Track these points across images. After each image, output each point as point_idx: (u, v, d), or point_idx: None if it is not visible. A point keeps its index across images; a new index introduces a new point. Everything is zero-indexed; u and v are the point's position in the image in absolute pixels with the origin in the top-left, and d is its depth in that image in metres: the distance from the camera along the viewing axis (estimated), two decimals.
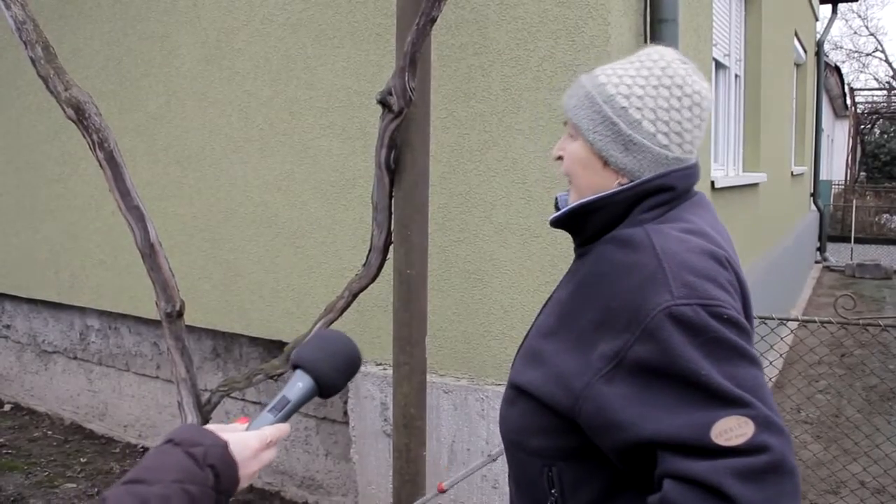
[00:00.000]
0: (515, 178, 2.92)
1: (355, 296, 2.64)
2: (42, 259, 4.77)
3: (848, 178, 22.88)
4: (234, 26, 3.67)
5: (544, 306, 1.33)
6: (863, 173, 26.12)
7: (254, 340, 3.89)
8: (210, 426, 0.99)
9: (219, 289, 3.86)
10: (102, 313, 4.61)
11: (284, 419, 1.05)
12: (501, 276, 2.98)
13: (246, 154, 3.69)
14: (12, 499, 3.86)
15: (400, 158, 2.55)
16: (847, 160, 22.79)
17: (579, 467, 1.16)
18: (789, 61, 8.20)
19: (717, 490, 0.94)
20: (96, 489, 3.97)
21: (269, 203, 3.62)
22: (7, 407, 5.26)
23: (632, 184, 1.18)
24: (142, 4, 4.03)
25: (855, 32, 48.42)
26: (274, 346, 3.75)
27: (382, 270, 2.62)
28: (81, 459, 4.35)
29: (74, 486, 4.01)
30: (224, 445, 0.95)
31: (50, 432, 4.79)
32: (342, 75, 3.32)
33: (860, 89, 24.26)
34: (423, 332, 2.68)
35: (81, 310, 4.73)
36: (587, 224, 1.22)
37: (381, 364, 3.30)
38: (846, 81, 20.52)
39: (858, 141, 24.01)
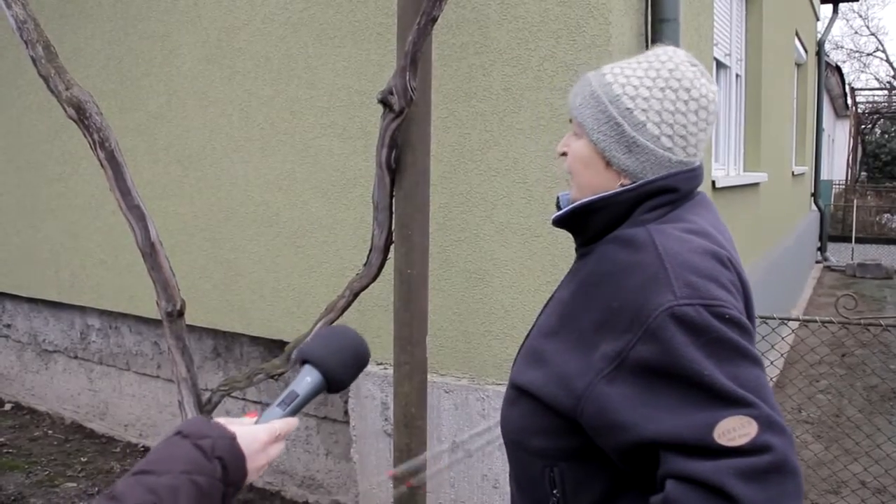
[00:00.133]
0: (516, 177, 2.92)
1: (356, 295, 2.64)
2: (43, 258, 4.77)
3: (849, 177, 22.88)
4: (234, 25, 3.67)
5: (546, 306, 1.32)
6: (863, 173, 26.12)
7: (254, 340, 3.89)
8: (219, 419, 0.99)
9: (219, 288, 3.85)
10: (103, 312, 4.61)
11: (293, 413, 1.05)
12: (502, 276, 2.98)
13: (247, 153, 3.69)
14: (13, 498, 3.86)
15: (401, 158, 2.55)
16: (848, 160, 22.79)
17: (581, 468, 1.16)
18: (790, 61, 8.19)
19: (720, 490, 0.94)
20: (97, 488, 3.97)
21: (270, 202, 3.62)
22: (8, 406, 5.26)
23: (635, 184, 1.18)
24: (142, 4, 4.03)
25: (856, 32, 48.40)
26: (275, 346, 3.75)
27: (383, 270, 2.61)
28: (82, 459, 4.35)
29: (75, 485, 4.01)
30: (232, 438, 0.96)
31: (50, 432, 4.79)
32: (343, 75, 3.31)
33: (861, 89, 24.26)
34: (423, 331, 2.67)
35: (82, 309, 4.73)
36: (589, 223, 1.21)
37: (381, 363, 3.29)
38: (847, 81, 20.52)
39: (859, 141, 24.01)
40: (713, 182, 4.19)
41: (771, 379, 5.11)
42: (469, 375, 3.10)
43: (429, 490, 2.82)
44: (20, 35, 2.41)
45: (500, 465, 3.00)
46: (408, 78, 2.39)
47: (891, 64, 33.28)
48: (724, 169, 5.27)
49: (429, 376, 2.76)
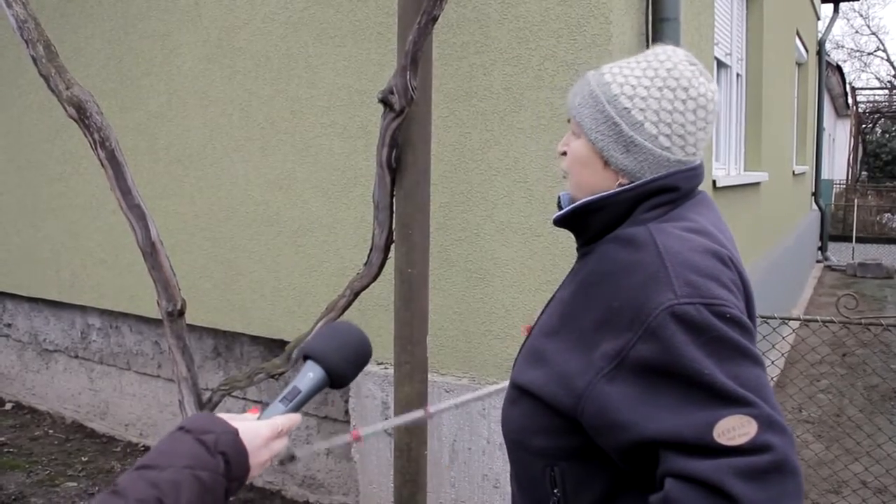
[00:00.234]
0: (517, 177, 2.92)
1: (356, 295, 2.64)
2: (43, 258, 4.77)
3: (849, 177, 22.87)
4: (235, 25, 3.67)
5: (547, 306, 1.32)
6: (864, 172, 26.11)
7: (255, 339, 3.89)
8: (222, 415, 1.00)
9: (220, 288, 3.85)
10: (103, 312, 4.61)
11: (296, 409, 1.06)
12: (503, 276, 2.98)
13: (247, 153, 3.69)
14: (13, 497, 3.86)
15: (401, 157, 2.55)
16: (848, 159, 22.78)
17: (582, 467, 1.15)
18: (791, 60, 8.19)
19: (720, 489, 0.94)
20: (97, 488, 3.97)
21: (271, 202, 3.62)
22: (8, 406, 5.26)
23: (635, 183, 1.18)
24: (143, 3, 4.03)
25: (856, 32, 48.36)
26: (275, 345, 3.75)
27: (384, 269, 2.61)
28: (82, 458, 4.35)
29: (75, 484, 4.01)
30: (235, 433, 0.96)
31: (51, 431, 4.80)
32: (343, 74, 3.31)
33: (862, 88, 24.27)
34: (424, 331, 2.67)
35: (82, 308, 4.73)
36: (590, 223, 1.21)
37: (382, 363, 3.29)
38: (848, 81, 20.51)
39: (860, 140, 24.00)
40: (714, 181, 4.19)
41: (772, 378, 5.11)
42: (470, 375, 3.10)
43: (429, 490, 2.83)
44: (21, 34, 2.41)
45: (500, 464, 3.00)
46: (408, 77, 2.39)
47: (891, 63, 33.26)
48: (725, 168, 5.27)
49: (429, 376, 2.76)
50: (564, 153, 1.26)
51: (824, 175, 12.91)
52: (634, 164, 1.17)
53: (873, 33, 45.30)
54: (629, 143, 1.16)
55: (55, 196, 4.64)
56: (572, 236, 1.28)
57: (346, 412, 3.56)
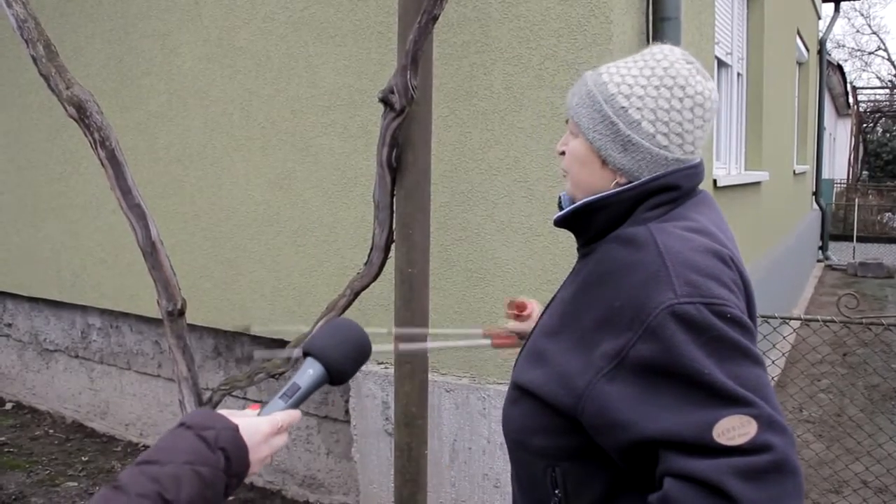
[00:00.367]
0: (517, 176, 2.92)
1: (357, 294, 2.63)
2: (43, 257, 4.77)
3: (850, 176, 22.86)
4: (235, 24, 3.67)
5: (548, 306, 1.32)
6: (865, 172, 26.09)
7: (255, 339, 3.89)
8: (222, 411, 1.01)
9: (220, 287, 3.85)
10: (104, 312, 4.61)
11: (295, 405, 1.06)
12: (503, 275, 2.98)
13: (247, 152, 3.69)
14: (14, 497, 3.86)
15: (402, 157, 2.54)
16: (849, 159, 22.77)
17: (582, 467, 1.15)
18: (791, 60, 8.18)
19: (719, 489, 0.94)
20: (97, 488, 3.97)
21: (271, 201, 3.62)
22: (8, 405, 5.26)
23: (636, 183, 1.18)
24: (143, 3, 4.03)
25: (857, 31, 48.34)
26: (275, 345, 3.74)
27: (384, 269, 2.61)
28: (83, 458, 4.35)
29: (76, 484, 4.01)
30: (235, 429, 0.97)
31: (51, 431, 4.79)
32: (344, 73, 3.31)
33: (862, 88, 24.28)
34: (424, 331, 2.67)
35: (83, 308, 4.73)
36: (590, 223, 1.21)
37: (382, 363, 3.29)
38: (848, 80, 20.51)
39: (861, 139, 23.99)
40: (714, 181, 4.19)
41: (772, 378, 5.10)
42: (470, 375, 3.10)
43: (429, 490, 2.82)
44: (21, 34, 2.41)
45: (500, 464, 3.00)
46: (409, 77, 2.38)
47: (892, 62, 33.24)
48: (726, 168, 5.26)
49: (430, 375, 2.76)
50: (563, 153, 1.26)
51: (825, 174, 12.90)
52: (632, 163, 1.17)
53: (874, 32, 45.29)
54: (627, 142, 1.16)
55: (55, 196, 4.63)
56: (573, 236, 1.28)
57: (347, 412, 3.55)
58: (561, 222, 1.25)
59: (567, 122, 1.25)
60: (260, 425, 1.01)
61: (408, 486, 2.68)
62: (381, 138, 2.50)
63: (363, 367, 3.40)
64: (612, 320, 1.08)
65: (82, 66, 4.24)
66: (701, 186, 1.26)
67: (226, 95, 3.74)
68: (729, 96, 5.29)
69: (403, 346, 1.71)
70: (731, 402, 0.97)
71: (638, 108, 1.16)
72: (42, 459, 4.32)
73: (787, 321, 3.37)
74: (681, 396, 1.00)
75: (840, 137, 23.37)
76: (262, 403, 1.06)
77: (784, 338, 3.92)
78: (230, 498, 3.82)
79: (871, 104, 24.32)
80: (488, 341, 1.66)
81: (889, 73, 33.24)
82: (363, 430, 3.38)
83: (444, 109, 3.01)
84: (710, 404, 0.98)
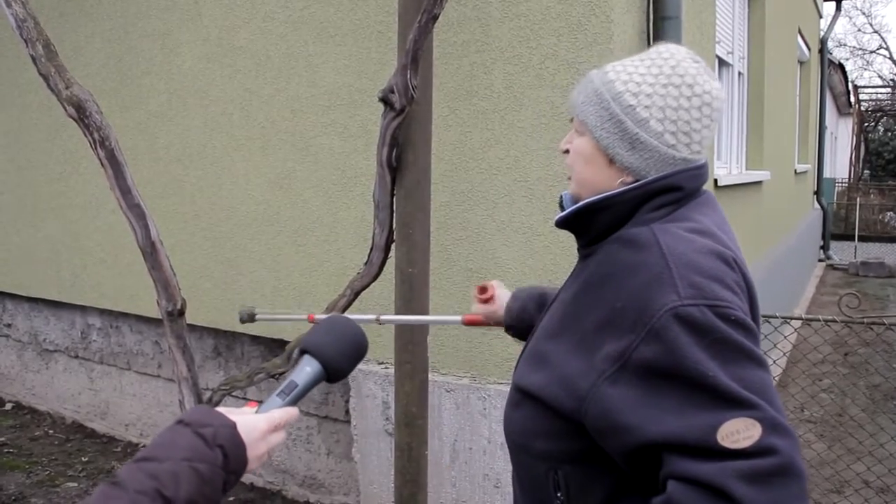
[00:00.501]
0: (518, 176, 2.91)
1: (357, 294, 2.63)
2: (43, 257, 4.77)
3: (851, 175, 22.83)
4: (235, 24, 3.66)
5: (548, 308, 1.31)
6: (866, 171, 26.06)
7: (255, 339, 3.89)
8: (220, 409, 1.02)
9: (220, 287, 3.85)
10: (103, 312, 4.61)
11: (293, 403, 1.07)
12: (504, 275, 2.97)
13: (247, 152, 3.68)
14: (14, 498, 3.85)
15: (402, 156, 2.54)
16: (851, 158, 22.73)
17: (585, 470, 1.15)
18: (793, 59, 8.17)
19: (723, 492, 0.93)
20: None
21: (271, 201, 3.61)
22: (8, 406, 5.26)
23: (639, 183, 1.17)
24: (143, 2, 4.02)
25: (859, 30, 48.27)
26: (275, 345, 3.74)
27: (384, 269, 2.60)
28: (83, 458, 4.35)
29: (76, 485, 4.01)
30: (233, 426, 0.98)
31: (51, 431, 4.79)
32: (344, 73, 3.30)
33: (864, 87, 24.22)
34: (425, 331, 2.67)
35: (82, 308, 4.73)
36: (593, 224, 1.20)
37: (383, 363, 3.29)
38: (850, 79, 20.49)
39: (862, 139, 23.96)
40: (715, 180, 4.18)
41: (774, 378, 5.09)
42: (470, 375, 3.09)
43: (430, 490, 2.82)
44: (20, 33, 2.40)
45: (501, 464, 2.99)
46: (409, 76, 2.38)
47: (894, 61, 33.21)
48: (727, 167, 5.26)
49: (430, 375, 2.76)
50: (567, 151, 1.25)
51: (826, 174, 12.89)
52: (640, 161, 1.16)
53: (876, 31, 45.09)
54: (634, 140, 1.16)
55: (55, 196, 4.63)
56: (573, 237, 1.27)
57: (347, 412, 3.55)
58: (562, 223, 1.24)
59: (571, 120, 1.24)
60: (257, 422, 1.01)
61: (408, 486, 2.68)
62: (381, 138, 2.49)
63: (363, 367, 3.40)
64: (615, 322, 1.07)
65: (82, 65, 4.23)
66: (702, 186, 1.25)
67: (225, 95, 3.73)
68: (730, 96, 5.28)
69: (384, 318, 1.81)
70: (736, 404, 0.97)
71: (646, 107, 1.15)
72: (42, 460, 4.32)
73: (789, 321, 3.37)
74: (684, 399, 0.99)
75: (841, 136, 23.36)
76: (259, 401, 1.07)
77: (785, 337, 3.91)
78: (230, 498, 3.82)
79: (873, 103, 24.28)
80: (459, 318, 1.76)
81: (891, 72, 33.23)
82: (363, 430, 3.37)
83: (445, 109, 3.00)
84: (714, 407, 0.97)
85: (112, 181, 2.41)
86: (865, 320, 3.25)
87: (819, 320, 3.18)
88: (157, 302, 2.53)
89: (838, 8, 11.19)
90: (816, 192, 11.40)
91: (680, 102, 1.15)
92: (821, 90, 11.02)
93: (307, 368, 1.08)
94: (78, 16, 4.33)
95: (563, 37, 2.77)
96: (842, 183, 21.57)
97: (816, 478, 3.88)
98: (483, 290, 1.70)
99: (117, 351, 4.61)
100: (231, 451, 0.96)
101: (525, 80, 2.86)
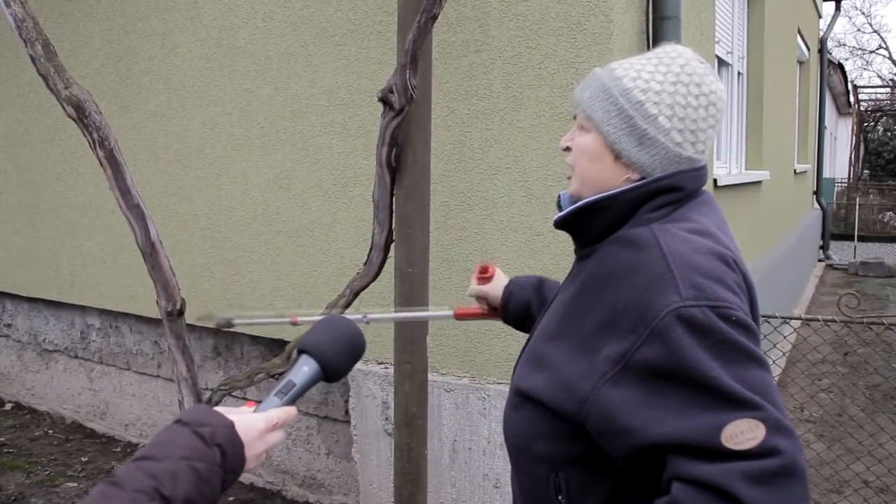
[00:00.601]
0: (517, 176, 2.91)
1: (356, 294, 2.63)
2: (42, 258, 4.76)
3: (851, 175, 22.84)
4: (234, 24, 3.66)
5: (546, 309, 1.31)
6: (866, 171, 26.07)
7: (255, 339, 3.88)
8: (218, 408, 1.02)
9: (220, 287, 3.85)
10: (103, 312, 4.60)
11: (290, 402, 1.07)
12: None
13: (247, 152, 3.68)
14: (13, 498, 3.85)
15: (401, 156, 2.54)
16: (850, 158, 22.75)
17: (586, 473, 1.14)
18: (792, 58, 8.18)
19: (728, 493, 0.93)
20: None
21: (270, 201, 3.61)
22: (8, 406, 5.25)
23: (640, 182, 1.17)
24: (142, 2, 4.02)
25: (858, 30, 48.34)
26: (275, 345, 3.74)
27: (384, 269, 2.60)
28: (82, 458, 4.35)
29: (75, 485, 4.00)
30: (231, 425, 0.98)
31: (51, 431, 4.79)
32: (343, 73, 3.30)
33: (863, 87, 24.24)
34: (424, 330, 2.67)
35: (82, 308, 4.73)
36: (592, 224, 1.20)
37: (382, 363, 3.28)
38: (849, 79, 20.49)
39: (862, 139, 23.97)
40: (715, 180, 4.18)
41: (773, 378, 5.10)
42: (470, 375, 3.09)
43: (429, 490, 2.82)
44: (19, 33, 2.40)
45: (501, 464, 2.99)
46: (408, 76, 2.38)
47: (893, 61, 33.22)
48: (726, 167, 5.26)
49: (430, 376, 2.75)
50: (567, 149, 1.25)
51: (826, 174, 12.89)
52: (647, 157, 1.16)
53: (875, 31, 45.12)
54: (643, 136, 1.16)
55: (54, 196, 4.63)
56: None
57: (347, 412, 3.55)
58: (561, 223, 1.24)
59: (574, 118, 1.24)
60: (256, 422, 1.02)
61: (408, 486, 2.67)
62: (381, 138, 2.49)
63: (363, 368, 3.40)
64: (615, 323, 1.07)
65: (81, 65, 4.23)
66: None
67: (225, 95, 3.73)
68: (729, 95, 5.28)
69: (372, 316, 1.80)
70: (739, 405, 0.96)
71: (655, 103, 1.16)
72: (41, 460, 4.31)
73: (788, 321, 3.36)
74: (687, 400, 0.99)
75: (841, 136, 23.36)
76: (257, 402, 1.07)
77: (785, 337, 3.91)
78: (230, 498, 3.81)
79: (872, 103, 24.29)
80: (451, 311, 1.77)
81: (890, 72, 33.23)
82: (363, 430, 3.37)
83: (444, 109, 3.00)
84: (718, 408, 0.97)
85: (111, 181, 2.41)
86: (865, 320, 3.25)
87: (818, 320, 3.18)
88: (157, 302, 2.53)
89: (838, 8, 11.20)
90: (816, 192, 11.41)
91: (688, 101, 1.16)
92: (820, 90, 11.02)
93: (304, 368, 1.09)
94: (77, 16, 4.33)
95: (562, 37, 2.77)
96: (841, 183, 21.58)
97: (816, 478, 3.88)
98: (485, 269, 1.73)
99: (117, 351, 4.61)
100: (229, 450, 0.96)
101: (524, 80, 2.86)
